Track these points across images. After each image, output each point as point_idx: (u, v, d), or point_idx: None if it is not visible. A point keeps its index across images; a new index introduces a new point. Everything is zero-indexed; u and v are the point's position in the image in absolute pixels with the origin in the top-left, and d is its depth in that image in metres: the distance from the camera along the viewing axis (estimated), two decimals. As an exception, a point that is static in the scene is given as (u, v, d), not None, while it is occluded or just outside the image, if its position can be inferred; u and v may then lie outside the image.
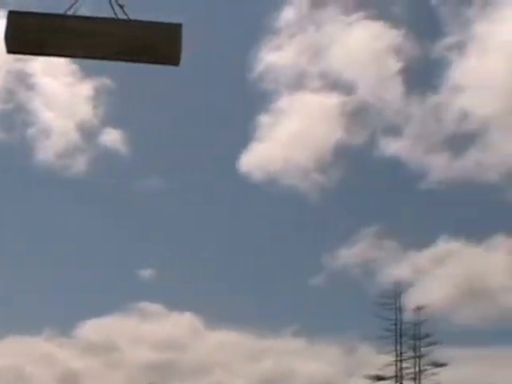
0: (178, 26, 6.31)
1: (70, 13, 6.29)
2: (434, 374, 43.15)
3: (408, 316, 44.40)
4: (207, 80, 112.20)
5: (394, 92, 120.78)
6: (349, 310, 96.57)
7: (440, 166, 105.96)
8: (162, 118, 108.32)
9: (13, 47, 6.17)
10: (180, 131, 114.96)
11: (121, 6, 6.32)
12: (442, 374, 43.79)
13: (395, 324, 43.79)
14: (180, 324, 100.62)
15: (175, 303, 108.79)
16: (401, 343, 43.74)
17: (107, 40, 6.18)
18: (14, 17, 6.16)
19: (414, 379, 43.20)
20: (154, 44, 6.19)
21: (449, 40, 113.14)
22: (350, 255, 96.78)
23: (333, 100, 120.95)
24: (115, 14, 6.33)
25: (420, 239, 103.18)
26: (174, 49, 6.25)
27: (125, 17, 6.30)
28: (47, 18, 6.21)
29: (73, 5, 6.28)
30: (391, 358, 43.40)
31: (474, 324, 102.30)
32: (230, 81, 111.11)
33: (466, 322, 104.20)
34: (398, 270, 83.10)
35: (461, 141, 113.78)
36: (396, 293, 44.50)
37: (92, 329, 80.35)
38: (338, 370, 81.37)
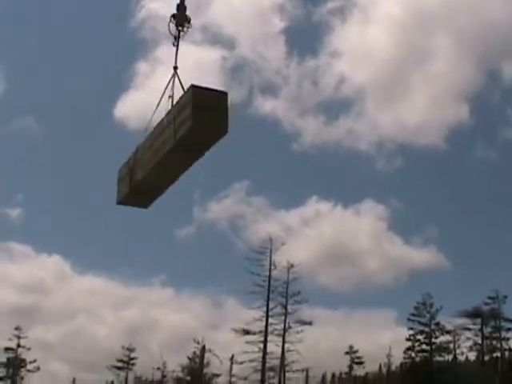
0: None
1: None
2: (298, 331, 43.78)
3: (277, 273, 44.65)
4: (88, 26, 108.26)
5: (274, 51, 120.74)
6: (217, 263, 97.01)
7: (313, 130, 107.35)
8: (42, 61, 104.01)
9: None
10: (59, 74, 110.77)
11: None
12: (307, 331, 44.69)
13: (266, 280, 43.98)
14: (47, 267, 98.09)
15: (44, 245, 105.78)
16: (268, 299, 43.98)
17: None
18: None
19: (281, 335, 43.67)
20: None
21: (333, 5, 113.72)
22: (219, 210, 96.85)
23: (214, 54, 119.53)
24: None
25: (290, 199, 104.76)
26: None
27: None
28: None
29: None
30: (259, 314, 43.63)
31: (338, 285, 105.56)
32: (111, 27, 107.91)
33: (329, 283, 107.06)
34: (267, 227, 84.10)
35: (335, 106, 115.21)
36: (267, 249, 44.56)
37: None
38: (205, 322, 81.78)
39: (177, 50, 7.21)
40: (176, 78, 7.23)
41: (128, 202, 7.57)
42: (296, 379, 45.41)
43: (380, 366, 65.18)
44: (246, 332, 43.00)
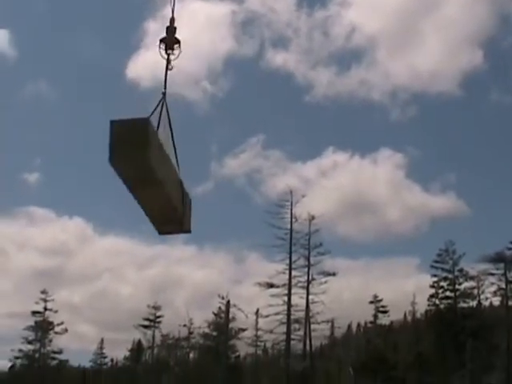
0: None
1: None
2: (322, 283, 43.88)
3: (298, 226, 44.65)
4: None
5: (284, 4, 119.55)
6: (237, 219, 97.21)
7: (326, 81, 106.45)
8: (52, 25, 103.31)
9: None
10: (69, 37, 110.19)
11: None
12: (330, 282, 44.84)
13: (288, 233, 44.00)
14: (69, 229, 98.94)
15: (64, 208, 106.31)
16: (291, 252, 44.05)
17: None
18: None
19: (305, 288, 43.82)
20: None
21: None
22: (236, 165, 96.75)
23: (223, 9, 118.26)
24: None
25: (306, 151, 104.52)
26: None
27: None
28: None
29: None
30: (282, 267, 43.74)
31: (358, 236, 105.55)
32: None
33: (350, 234, 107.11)
34: (285, 180, 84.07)
35: (347, 57, 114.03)
36: (288, 202, 44.49)
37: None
38: (228, 277, 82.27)
39: (166, 74, 6.61)
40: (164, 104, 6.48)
41: None
42: (321, 330, 45.58)
43: (405, 314, 65.50)
44: (270, 285, 43.17)
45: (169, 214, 6.43)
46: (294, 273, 43.75)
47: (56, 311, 56.41)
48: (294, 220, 44.04)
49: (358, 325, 71.94)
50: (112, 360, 64.40)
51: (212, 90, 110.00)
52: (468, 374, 41.82)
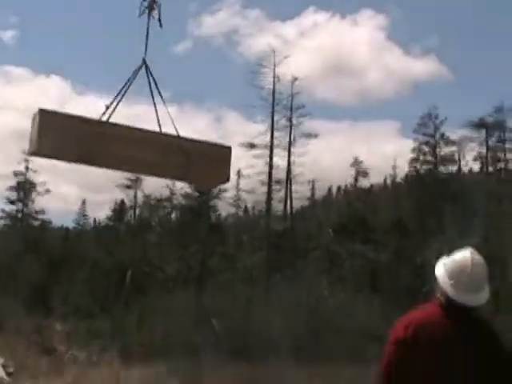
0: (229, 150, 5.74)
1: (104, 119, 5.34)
2: (304, 144, 43.92)
3: (280, 87, 44.15)
4: None
5: None
6: (217, 79, 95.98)
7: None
8: None
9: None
10: None
11: None
12: (311, 144, 44.65)
13: (270, 94, 43.54)
14: (47, 89, 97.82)
15: (41, 67, 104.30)
16: (273, 113, 43.76)
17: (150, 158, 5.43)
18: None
19: (286, 149, 43.82)
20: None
21: None
22: (214, 24, 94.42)
23: None
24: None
25: (286, 9, 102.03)
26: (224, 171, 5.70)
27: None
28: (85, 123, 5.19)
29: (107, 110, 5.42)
30: (264, 128, 43.56)
31: (339, 98, 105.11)
32: None
33: (330, 96, 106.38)
34: (264, 40, 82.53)
35: None
36: (269, 62, 43.78)
37: None
38: (209, 137, 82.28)
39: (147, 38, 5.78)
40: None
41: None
42: (302, 192, 46.00)
43: (385, 178, 66.21)
44: (252, 146, 43.07)
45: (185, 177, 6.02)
46: (275, 134, 43.62)
47: (36, 171, 56.34)
48: (276, 80, 43.48)
49: (339, 187, 72.72)
50: (95, 220, 65.08)
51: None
52: (447, 239, 42.37)
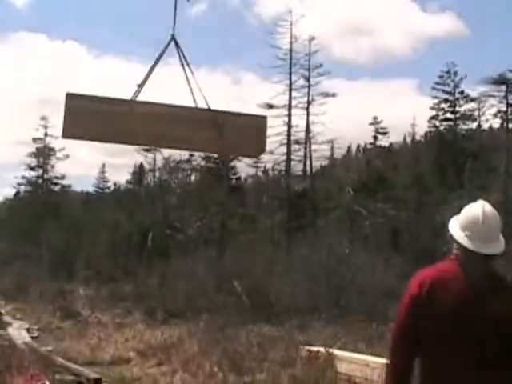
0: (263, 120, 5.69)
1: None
2: (322, 103, 43.67)
3: (298, 47, 43.83)
4: None
5: None
6: (233, 40, 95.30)
7: None
8: None
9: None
10: None
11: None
12: (330, 104, 44.29)
13: (287, 53, 43.25)
14: (64, 53, 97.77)
15: (57, 32, 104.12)
16: (291, 73, 43.50)
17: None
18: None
19: (305, 108, 43.63)
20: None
21: None
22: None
23: None
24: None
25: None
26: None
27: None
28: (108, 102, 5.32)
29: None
30: (282, 88, 43.35)
31: (357, 58, 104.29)
32: None
33: (348, 56, 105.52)
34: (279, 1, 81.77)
35: None
36: (287, 22, 43.36)
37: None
38: (227, 99, 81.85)
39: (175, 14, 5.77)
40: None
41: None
42: (321, 151, 45.87)
43: (404, 136, 65.82)
44: (270, 106, 42.92)
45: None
46: (293, 94, 43.42)
47: (57, 137, 56.54)
48: (293, 40, 43.15)
49: (358, 146, 72.39)
50: (115, 184, 65.32)
51: None
52: (466, 194, 42.17)
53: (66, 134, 5.24)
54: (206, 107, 5.48)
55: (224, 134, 5.39)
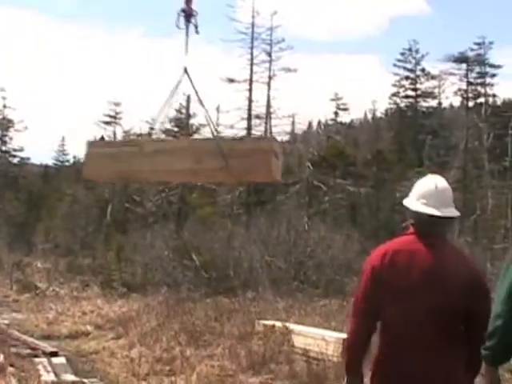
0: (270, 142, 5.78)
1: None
2: (283, 79, 43.60)
3: (260, 21, 43.51)
4: None
5: None
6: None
7: None
8: None
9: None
10: None
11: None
12: (291, 79, 44.17)
13: (249, 27, 42.92)
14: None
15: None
16: (252, 47, 43.20)
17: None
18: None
19: (266, 83, 43.46)
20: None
21: None
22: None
23: None
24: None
25: None
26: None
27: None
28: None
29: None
30: (243, 62, 43.08)
31: (318, 33, 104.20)
32: None
33: (309, 31, 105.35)
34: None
35: None
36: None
37: None
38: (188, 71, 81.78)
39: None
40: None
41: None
42: (282, 126, 45.85)
43: (365, 113, 66.18)
44: (231, 80, 42.66)
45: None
46: (255, 68, 43.17)
47: (15, 109, 55.85)
48: (255, 14, 42.82)
49: (319, 122, 72.47)
50: (74, 157, 64.65)
51: None
52: (425, 171, 42.40)
53: (88, 177, 6.12)
54: (212, 136, 5.97)
55: (230, 161, 5.37)
